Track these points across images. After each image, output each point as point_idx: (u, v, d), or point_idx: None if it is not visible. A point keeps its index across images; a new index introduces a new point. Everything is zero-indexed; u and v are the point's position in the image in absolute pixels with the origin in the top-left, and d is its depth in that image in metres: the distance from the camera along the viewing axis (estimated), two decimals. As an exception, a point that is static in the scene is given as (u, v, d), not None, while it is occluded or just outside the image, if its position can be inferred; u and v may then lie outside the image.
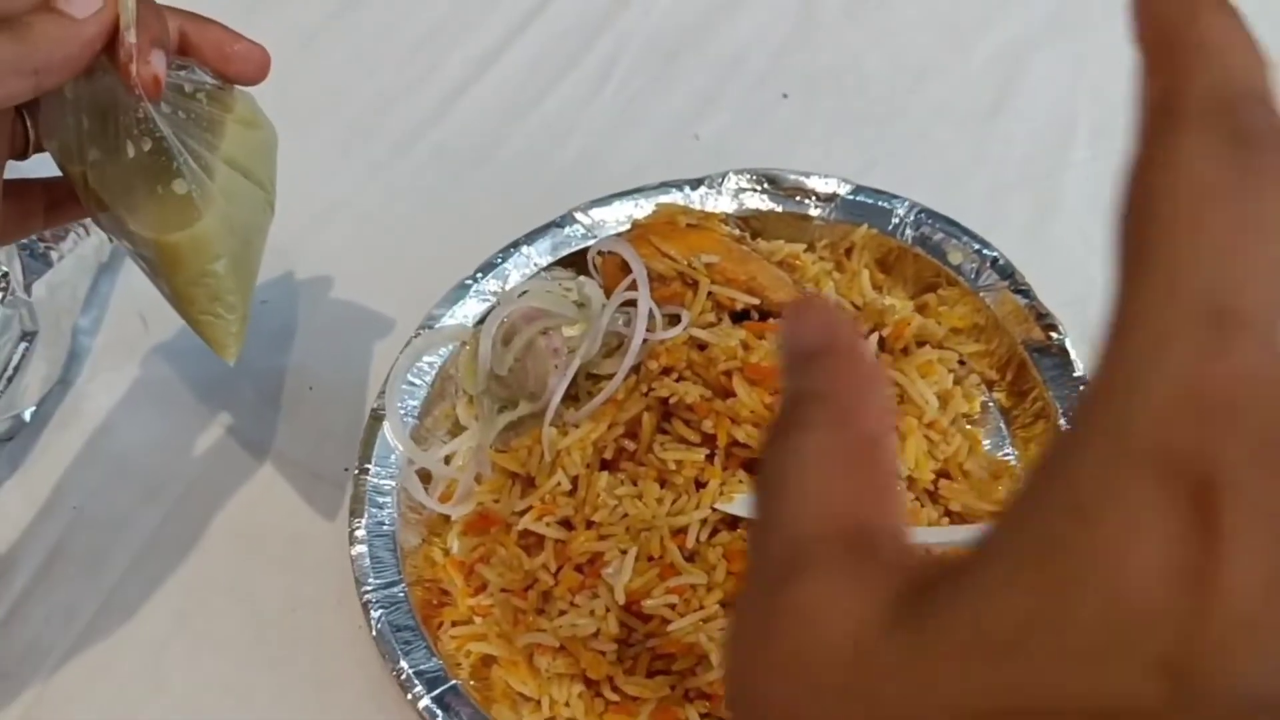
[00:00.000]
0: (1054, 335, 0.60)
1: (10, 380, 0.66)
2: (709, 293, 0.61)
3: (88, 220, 0.73)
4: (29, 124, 0.50)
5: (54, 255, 0.71)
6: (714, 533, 0.55)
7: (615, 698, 0.54)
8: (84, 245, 0.73)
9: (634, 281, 0.61)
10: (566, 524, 0.57)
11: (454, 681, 0.55)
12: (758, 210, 0.69)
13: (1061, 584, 0.17)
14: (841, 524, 0.22)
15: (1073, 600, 0.17)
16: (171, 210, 0.49)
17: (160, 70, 0.46)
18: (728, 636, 0.23)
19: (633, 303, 0.60)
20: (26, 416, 0.70)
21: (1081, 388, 0.22)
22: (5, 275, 0.66)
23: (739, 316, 0.62)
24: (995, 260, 0.64)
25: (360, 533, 0.59)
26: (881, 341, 0.61)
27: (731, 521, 0.56)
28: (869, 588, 0.21)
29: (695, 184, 0.70)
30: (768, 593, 0.22)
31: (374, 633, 0.56)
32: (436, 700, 0.54)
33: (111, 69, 0.46)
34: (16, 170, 0.50)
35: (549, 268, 0.69)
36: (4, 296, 0.65)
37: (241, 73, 0.50)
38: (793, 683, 0.21)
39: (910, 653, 0.19)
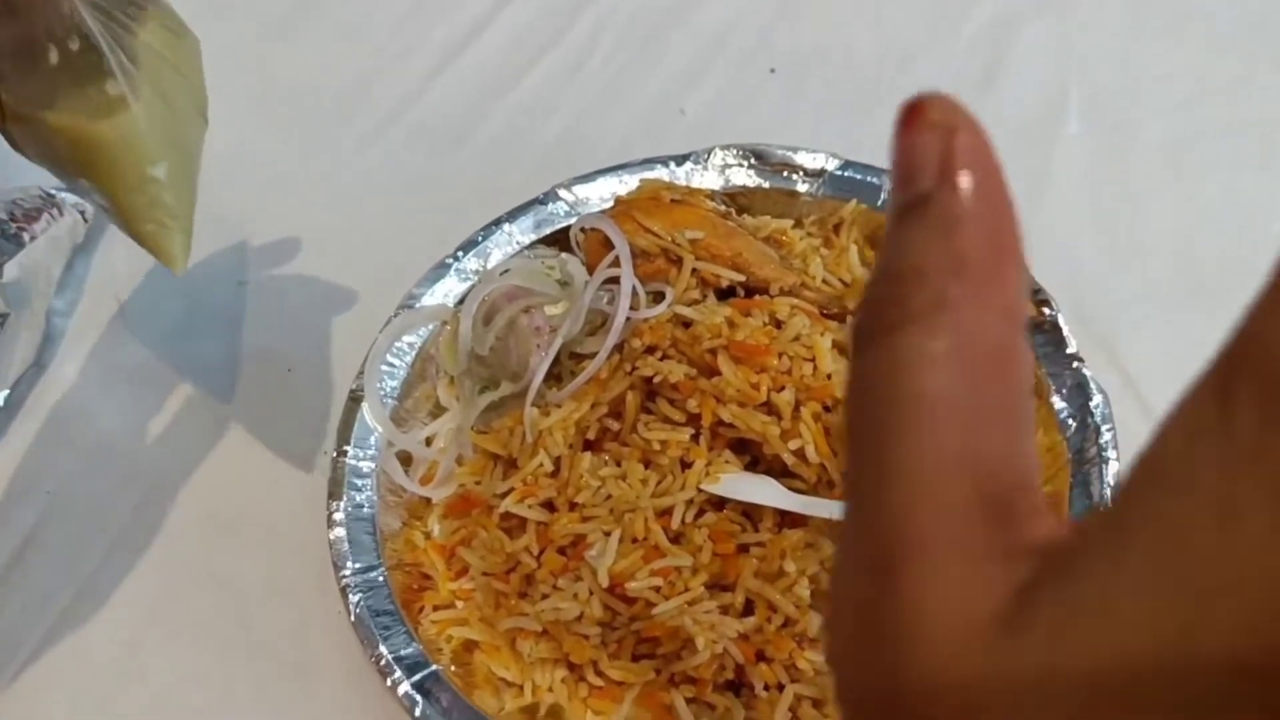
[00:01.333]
0: (1047, 311, 0.59)
1: (-19, 363, 0.65)
2: (693, 269, 0.60)
3: (61, 199, 0.72)
4: None
5: (25, 236, 0.69)
6: (699, 514, 0.54)
7: (599, 682, 0.53)
8: (57, 226, 0.72)
9: (617, 258, 0.60)
10: (549, 506, 0.56)
11: (435, 667, 0.54)
12: (744, 186, 0.68)
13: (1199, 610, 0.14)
14: (960, 479, 0.17)
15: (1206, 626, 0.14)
16: (99, 100, 0.49)
17: None
18: (825, 621, 0.19)
19: (616, 280, 0.59)
20: (1, 400, 0.69)
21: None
22: (-25, 256, 0.64)
23: (724, 293, 0.61)
24: (985, 236, 0.62)
25: (338, 516, 0.58)
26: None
27: (718, 502, 0.55)
28: (991, 573, 0.17)
29: (680, 160, 0.68)
30: (874, 576, 0.17)
31: (353, 618, 0.55)
32: (417, 686, 0.53)
33: None
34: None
35: (531, 245, 0.67)
36: (-26, 278, 0.64)
37: None
38: (904, 687, 0.17)
39: (1025, 668, 0.16)
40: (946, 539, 0.17)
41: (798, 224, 0.67)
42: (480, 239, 0.67)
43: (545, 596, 0.54)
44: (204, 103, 0.54)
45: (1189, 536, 0.14)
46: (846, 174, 0.66)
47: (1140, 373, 0.61)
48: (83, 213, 0.74)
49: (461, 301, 0.64)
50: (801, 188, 0.67)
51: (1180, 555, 0.14)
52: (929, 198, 0.18)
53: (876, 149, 0.70)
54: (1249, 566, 0.14)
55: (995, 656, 0.16)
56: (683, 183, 0.67)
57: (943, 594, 0.17)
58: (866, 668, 0.17)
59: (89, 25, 0.48)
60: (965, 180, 0.18)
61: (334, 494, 0.59)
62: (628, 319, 0.58)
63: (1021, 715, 0.15)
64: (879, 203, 0.65)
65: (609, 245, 0.60)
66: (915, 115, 0.19)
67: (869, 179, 0.66)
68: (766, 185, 0.67)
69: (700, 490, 0.54)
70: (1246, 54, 0.74)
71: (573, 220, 0.66)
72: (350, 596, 0.56)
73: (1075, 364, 0.57)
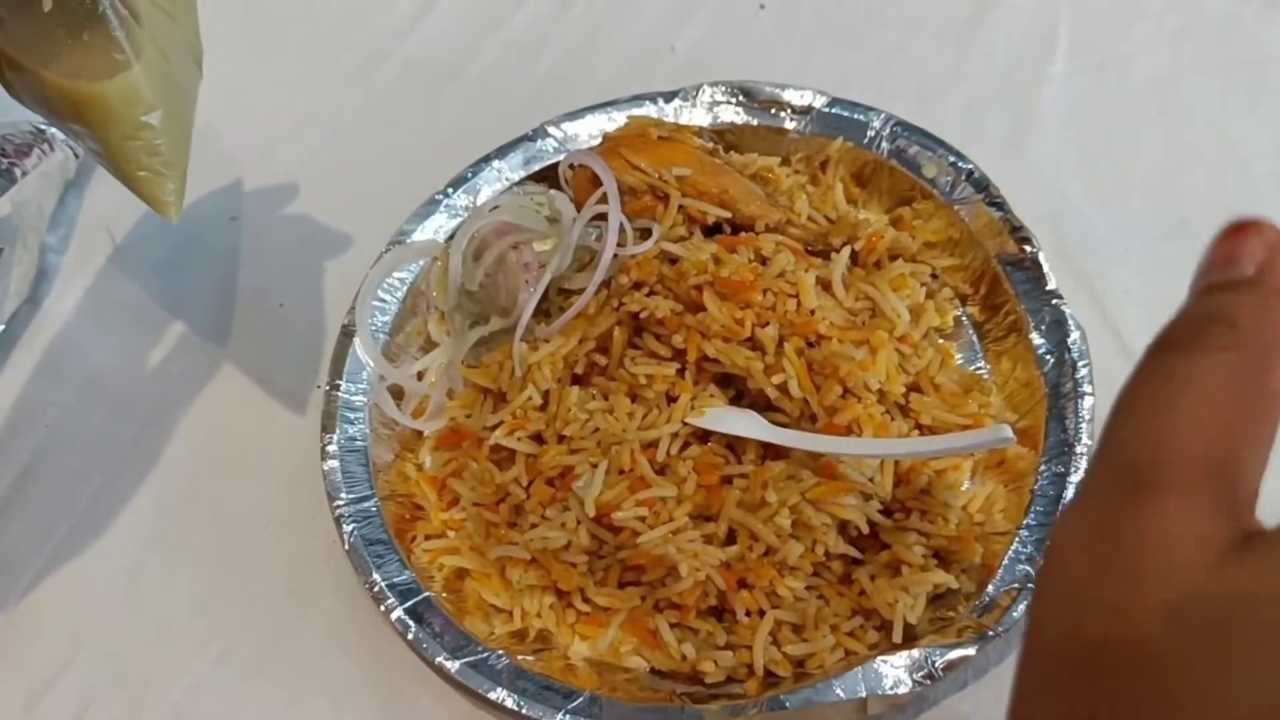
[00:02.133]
0: (1028, 249, 0.60)
1: (-24, 298, 0.66)
2: (680, 206, 0.61)
3: (51, 134, 0.72)
4: None
5: (17, 172, 0.70)
6: (684, 446, 0.55)
7: (586, 608, 0.55)
8: (49, 161, 0.72)
9: (605, 195, 0.60)
10: (538, 438, 0.58)
11: (427, 594, 0.55)
12: (732, 123, 0.68)
13: None
14: (1211, 452, 0.23)
15: None
16: (99, 57, 0.48)
17: None
18: (1057, 525, 0.25)
19: (604, 217, 0.60)
20: (-4, 335, 0.70)
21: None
22: (-33, 192, 0.65)
23: (711, 230, 0.62)
24: (970, 173, 0.63)
25: (332, 448, 0.59)
26: (854, 255, 0.61)
27: (702, 435, 0.56)
28: (1225, 517, 0.23)
29: (669, 97, 0.69)
30: (1122, 499, 0.23)
31: (346, 546, 0.56)
32: (409, 612, 0.54)
33: None
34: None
35: (521, 182, 0.68)
36: (-33, 213, 0.64)
37: None
38: (1147, 596, 0.22)
39: (1259, 583, 0.21)
40: (1202, 481, 0.23)
41: (785, 161, 0.67)
42: (470, 175, 0.68)
43: (534, 526, 0.55)
44: (200, 52, 0.54)
45: None
46: (834, 111, 0.67)
47: (1119, 310, 0.62)
48: (73, 149, 0.74)
49: (451, 238, 0.65)
50: (789, 125, 0.67)
51: None
52: (1249, 282, 0.26)
53: (864, 85, 0.71)
54: None
55: (1231, 570, 0.22)
56: (671, 120, 0.67)
57: (1192, 517, 0.23)
58: (1105, 574, 0.23)
59: None
60: (1275, 281, 0.26)
61: (327, 427, 0.60)
62: (615, 255, 0.59)
63: (1255, 619, 0.21)
64: (864, 140, 0.66)
65: (597, 182, 0.61)
66: (1248, 227, 0.27)
67: (856, 116, 0.66)
68: (754, 123, 0.68)
69: (685, 423, 0.55)
70: (1235, -8, 0.74)
71: (561, 157, 0.67)
72: (344, 526, 0.57)
73: (1054, 301, 0.58)
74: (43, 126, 0.73)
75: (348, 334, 0.63)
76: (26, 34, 0.48)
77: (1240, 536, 0.22)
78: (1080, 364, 0.56)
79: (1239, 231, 0.27)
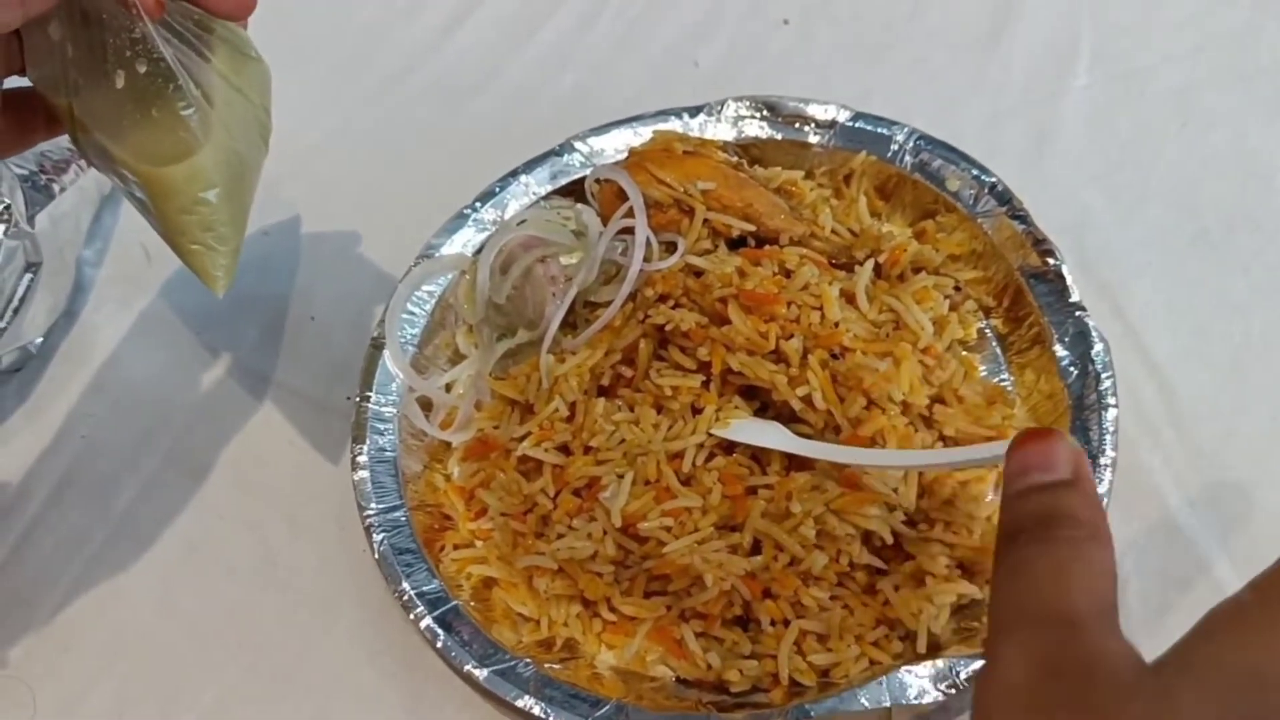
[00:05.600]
0: (1050, 261, 0.60)
1: (16, 312, 0.67)
2: (705, 220, 0.61)
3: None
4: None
5: (56, 188, 0.71)
6: (710, 457, 0.56)
7: (612, 617, 0.56)
8: (85, 178, 0.73)
9: (631, 209, 0.61)
10: (564, 449, 0.58)
11: (455, 602, 0.56)
12: (757, 138, 0.69)
13: None
14: (1107, 600, 0.33)
15: None
16: (166, 136, 0.48)
17: None
18: (987, 694, 0.32)
19: (630, 230, 0.61)
20: (33, 348, 0.71)
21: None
22: (8, 208, 0.66)
23: (735, 243, 0.62)
24: (993, 186, 0.63)
25: (362, 458, 0.60)
26: (878, 268, 0.61)
27: (727, 446, 0.56)
28: (1122, 638, 0.32)
29: (694, 111, 0.69)
30: (1058, 630, 0.32)
31: (376, 555, 0.57)
32: (438, 620, 0.55)
33: None
34: (17, 81, 0.50)
35: (547, 196, 0.69)
36: (7, 229, 0.66)
37: (228, 8, 0.49)
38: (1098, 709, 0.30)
39: (1162, 686, 0.29)
40: (1111, 616, 0.32)
41: (809, 175, 0.68)
42: (497, 190, 0.69)
43: (561, 536, 0.56)
44: (269, 129, 0.53)
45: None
46: (857, 125, 0.67)
47: (1141, 321, 0.63)
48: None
49: (479, 251, 0.66)
50: (813, 139, 0.68)
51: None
52: (1071, 483, 0.35)
53: (887, 99, 0.71)
54: None
55: (1161, 681, 0.29)
56: (696, 134, 0.68)
57: (1117, 643, 0.31)
58: (1056, 688, 0.30)
59: (161, 49, 0.46)
60: (1091, 481, 0.36)
61: (357, 438, 0.61)
62: (640, 269, 0.60)
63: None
64: (888, 154, 0.66)
65: (623, 196, 0.62)
66: (1050, 432, 0.37)
67: (879, 130, 0.67)
68: (778, 137, 0.68)
69: (710, 434, 0.56)
70: (1256, 4, 0.74)
71: (588, 171, 0.68)
72: (374, 535, 0.58)
73: (1078, 313, 0.58)
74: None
75: (377, 346, 0.64)
76: (98, 103, 0.48)
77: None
78: (1104, 375, 0.56)
79: (1042, 439, 0.37)
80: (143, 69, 0.47)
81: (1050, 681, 0.31)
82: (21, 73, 0.49)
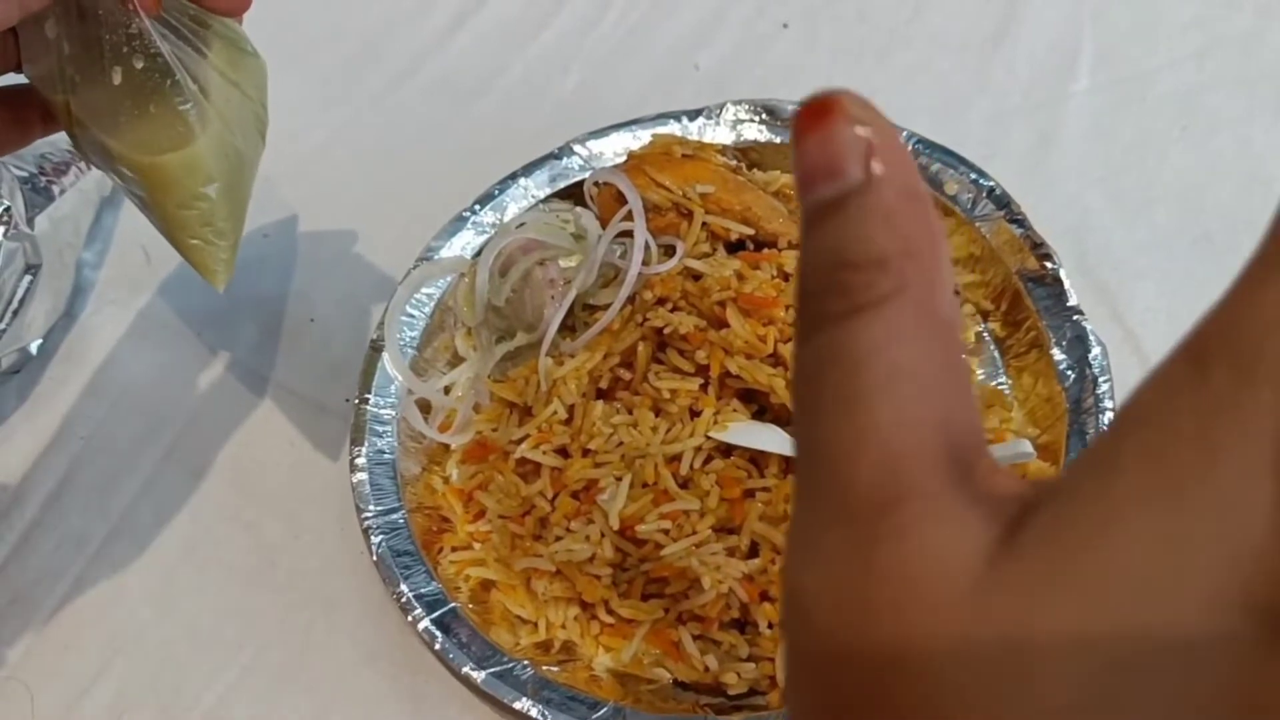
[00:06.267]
0: (1048, 265, 0.60)
1: (15, 313, 0.67)
2: (703, 223, 0.61)
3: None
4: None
5: (55, 189, 0.71)
6: (708, 460, 0.56)
7: (610, 620, 0.56)
8: (85, 179, 0.73)
9: (629, 212, 0.61)
10: (563, 452, 0.58)
11: (453, 604, 0.56)
12: (756, 141, 0.69)
13: (1188, 523, 0.16)
14: (938, 439, 0.18)
15: (1196, 541, 0.16)
16: (163, 130, 0.48)
17: None
18: (790, 570, 0.19)
19: (629, 233, 0.61)
20: (33, 349, 0.71)
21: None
22: (8, 209, 0.66)
23: (734, 247, 0.62)
24: (992, 190, 0.63)
25: (361, 460, 0.60)
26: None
27: (725, 449, 0.56)
28: (976, 517, 0.18)
29: (693, 115, 0.69)
30: (863, 522, 0.18)
31: (374, 557, 0.57)
32: (436, 622, 0.55)
33: None
34: (13, 79, 0.50)
35: (546, 199, 0.69)
36: (7, 231, 0.66)
37: (225, 4, 0.49)
38: (907, 626, 0.17)
39: (1024, 586, 0.17)
40: (936, 489, 0.18)
41: (807, 178, 0.68)
42: (496, 193, 0.69)
43: (559, 538, 0.56)
44: (265, 123, 0.53)
45: (1174, 468, 0.16)
46: (856, 129, 0.67)
47: (1141, 325, 0.62)
48: (110, 166, 0.76)
49: (478, 254, 0.66)
50: (812, 142, 0.68)
51: (1167, 483, 0.16)
52: (864, 191, 0.19)
53: (887, 102, 0.70)
54: (1228, 498, 0.16)
55: (988, 601, 0.17)
56: (695, 138, 0.68)
57: (940, 534, 0.18)
58: (856, 613, 0.18)
59: (158, 45, 0.46)
60: (892, 172, 0.20)
61: (356, 440, 0.61)
62: (639, 272, 0.60)
63: (1023, 626, 0.17)
64: (888, 157, 0.66)
65: (622, 199, 0.62)
66: (826, 111, 0.20)
67: (878, 133, 0.67)
68: (777, 140, 0.68)
69: (708, 437, 0.56)
70: (1258, 7, 0.74)
71: (587, 175, 0.68)
72: (372, 537, 0.58)
73: (1075, 317, 0.58)
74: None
75: (376, 348, 0.64)
76: (95, 99, 0.48)
77: (1000, 531, 0.18)
78: (1101, 379, 0.56)
79: (819, 118, 0.20)
80: (139, 65, 0.47)
81: (846, 670, 0.18)
82: (18, 69, 0.49)
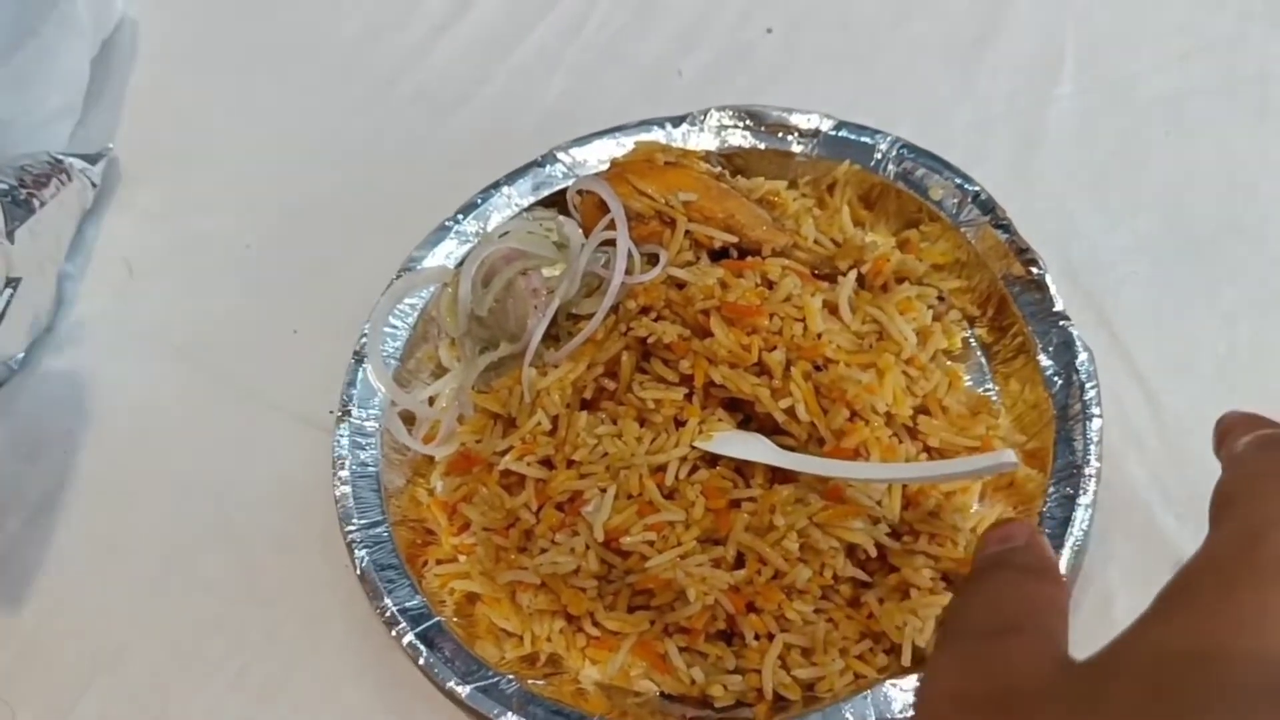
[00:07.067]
0: (1034, 270, 0.60)
1: (-4, 327, 0.67)
2: (687, 231, 0.61)
3: (69, 165, 0.73)
4: None
5: (35, 202, 0.71)
6: (693, 470, 0.56)
7: (596, 633, 0.55)
8: (66, 191, 0.73)
9: (612, 221, 0.61)
10: (547, 463, 0.58)
11: (438, 618, 0.55)
12: (740, 147, 0.68)
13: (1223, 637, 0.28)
14: (1027, 624, 0.35)
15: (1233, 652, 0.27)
16: None
17: None
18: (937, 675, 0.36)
19: (612, 242, 0.60)
20: (14, 364, 0.71)
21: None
22: (-13, 222, 0.66)
23: (717, 255, 0.62)
24: (977, 195, 0.63)
25: (344, 474, 0.60)
26: (861, 278, 0.61)
27: (710, 459, 0.56)
28: (1057, 645, 0.34)
29: (677, 121, 0.69)
30: (986, 639, 0.35)
31: (358, 571, 0.57)
32: (421, 637, 0.55)
33: None
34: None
35: (530, 208, 0.68)
36: (-14, 243, 0.65)
37: None
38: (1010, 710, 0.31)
39: (1089, 681, 0.30)
40: (1050, 639, 0.35)
41: (792, 185, 0.68)
42: (479, 201, 0.68)
43: (544, 551, 0.56)
44: None
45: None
46: (840, 134, 0.67)
47: (1127, 330, 0.62)
48: (91, 179, 0.76)
49: (461, 264, 0.66)
50: (796, 149, 0.68)
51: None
52: (1025, 546, 0.41)
53: (871, 108, 0.71)
54: None
55: (1089, 675, 0.30)
56: (679, 144, 0.68)
57: (1050, 648, 0.34)
58: (980, 689, 0.32)
59: None
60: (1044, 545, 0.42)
61: (339, 452, 0.61)
62: (622, 281, 0.59)
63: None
64: (871, 163, 0.66)
65: (605, 208, 0.61)
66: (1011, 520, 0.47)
67: (862, 139, 0.67)
68: (762, 146, 0.68)
69: (693, 447, 0.56)
70: (1241, 11, 0.74)
71: (570, 182, 0.67)
72: (356, 551, 0.57)
73: (1062, 322, 0.58)
74: (60, 157, 0.74)
75: (359, 360, 0.63)
76: None
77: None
78: (1088, 385, 0.56)
79: (1004, 524, 0.44)
80: None
81: (976, 683, 0.33)
82: None
